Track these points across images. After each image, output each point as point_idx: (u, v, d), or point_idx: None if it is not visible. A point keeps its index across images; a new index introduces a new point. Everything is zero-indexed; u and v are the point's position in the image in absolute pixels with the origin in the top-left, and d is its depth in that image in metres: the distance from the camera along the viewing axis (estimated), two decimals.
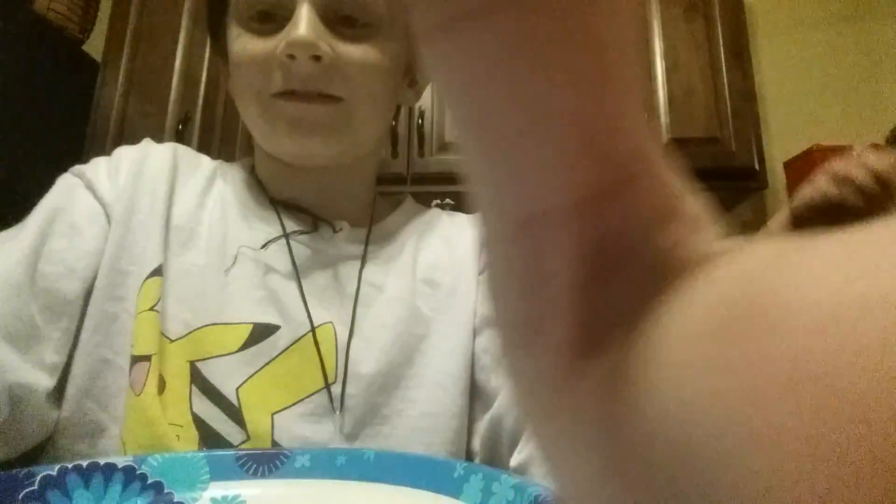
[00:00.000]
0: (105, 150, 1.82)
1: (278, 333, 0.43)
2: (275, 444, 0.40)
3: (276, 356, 0.42)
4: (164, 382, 0.40)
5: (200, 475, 0.28)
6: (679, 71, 1.52)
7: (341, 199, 0.52)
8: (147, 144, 0.51)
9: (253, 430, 0.40)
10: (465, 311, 0.49)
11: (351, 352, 0.44)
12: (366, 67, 0.45)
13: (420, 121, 1.52)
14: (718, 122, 1.48)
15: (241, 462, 0.29)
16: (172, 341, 0.41)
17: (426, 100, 1.55)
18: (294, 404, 0.42)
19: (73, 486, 0.26)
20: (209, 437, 0.39)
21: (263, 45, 0.44)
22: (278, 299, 0.44)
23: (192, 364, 0.41)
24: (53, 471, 0.26)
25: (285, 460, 0.29)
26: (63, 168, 0.51)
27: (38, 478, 0.26)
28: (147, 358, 0.40)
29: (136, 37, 1.65)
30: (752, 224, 1.80)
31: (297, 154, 0.48)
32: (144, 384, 0.39)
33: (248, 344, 0.42)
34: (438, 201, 1.53)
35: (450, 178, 1.51)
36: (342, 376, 0.43)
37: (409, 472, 0.27)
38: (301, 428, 0.41)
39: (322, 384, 0.42)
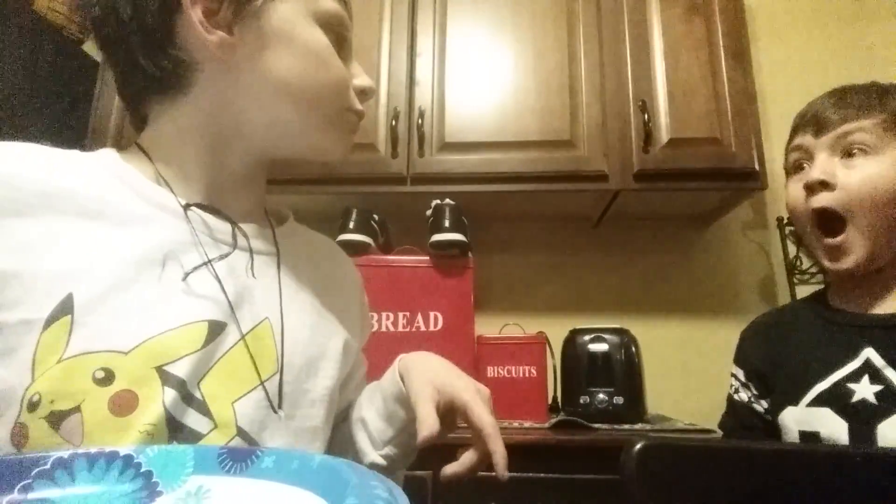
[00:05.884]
0: None
1: (227, 329, 0.46)
2: (239, 429, 0.44)
3: (228, 351, 0.45)
4: (135, 395, 0.40)
5: (186, 468, 0.31)
6: (679, 71, 1.52)
7: (245, 199, 0.55)
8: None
9: (219, 419, 0.43)
10: (352, 323, 0.60)
11: (285, 345, 0.50)
12: None
13: (420, 121, 1.51)
14: (718, 122, 1.48)
15: (220, 459, 0.32)
16: (127, 353, 0.41)
17: (426, 100, 1.55)
18: (249, 392, 0.46)
19: (79, 469, 0.30)
20: (176, 430, 0.41)
21: (339, 68, 0.53)
22: (217, 299, 0.46)
23: (160, 369, 0.41)
24: (66, 454, 0.30)
25: (255, 460, 0.32)
26: None
27: (51, 459, 0.29)
28: (77, 409, 0.38)
29: None
30: (752, 224, 1.81)
31: (342, 152, 0.56)
32: (83, 434, 0.38)
33: (208, 340, 0.44)
34: (438, 201, 1.53)
35: (450, 178, 1.51)
36: (279, 367, 0.48)
37: (338, 481, 0.29)
38: (258, 413, 0.45)
39: (265, 376, 0.47)
